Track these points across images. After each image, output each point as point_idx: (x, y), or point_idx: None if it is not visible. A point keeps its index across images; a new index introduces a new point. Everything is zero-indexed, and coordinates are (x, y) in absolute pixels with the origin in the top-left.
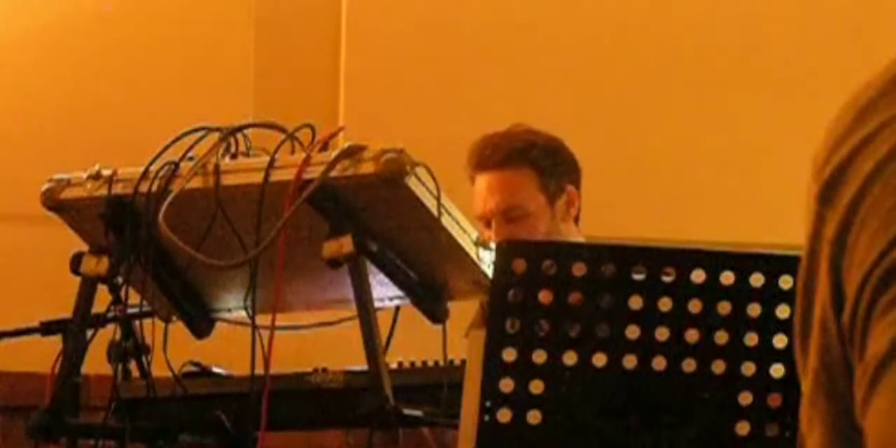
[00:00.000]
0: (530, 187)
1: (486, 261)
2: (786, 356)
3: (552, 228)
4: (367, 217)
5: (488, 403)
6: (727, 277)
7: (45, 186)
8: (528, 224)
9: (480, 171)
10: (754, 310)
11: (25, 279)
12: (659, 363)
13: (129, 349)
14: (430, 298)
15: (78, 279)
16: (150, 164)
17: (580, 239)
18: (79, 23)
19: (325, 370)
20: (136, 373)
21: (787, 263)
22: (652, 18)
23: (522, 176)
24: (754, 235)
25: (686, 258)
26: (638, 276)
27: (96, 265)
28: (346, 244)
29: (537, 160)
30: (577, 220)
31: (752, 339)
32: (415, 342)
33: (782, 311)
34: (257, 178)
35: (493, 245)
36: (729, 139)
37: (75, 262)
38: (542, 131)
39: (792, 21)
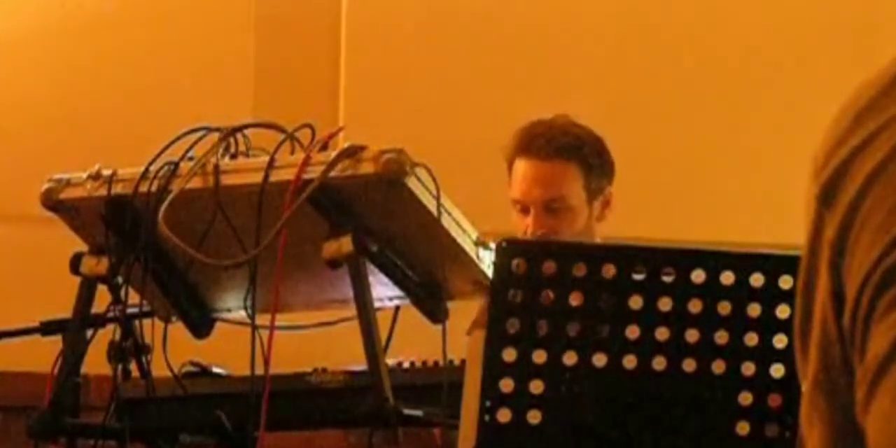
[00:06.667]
0: (576, 183)
1: (486, 261)
2: (786, 356)
3: (588, 226)
4: (367, 217)
5: (488, 403)
6: (727, 277)
7: (45, 186)
8: (568, 218)
9: (527, 157)
10: (754, 310)
11: (25, 279)
12: (659, 363)
13: (129, 349)
14: (429, 298)
15: (78, 279)
16: (150, 164)
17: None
18: (79, 23)
19: (325, 370)
20: (136, 373)
21: (787, 263)
22: (653, 21)
23: (570, 170)
24: (754, 235)
25: (686, 258)
26: (638, 276)
27: (96, 265)
28: (346, 244)
29: (587, 158)
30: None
31: (752, 339)
32: (415, 342)
33: (782, 311)
34: (257, 178)
35: (492, 245)
36: (729, 139)
37: (75, 262)
38: (586, 127)
39: (792, 21)
